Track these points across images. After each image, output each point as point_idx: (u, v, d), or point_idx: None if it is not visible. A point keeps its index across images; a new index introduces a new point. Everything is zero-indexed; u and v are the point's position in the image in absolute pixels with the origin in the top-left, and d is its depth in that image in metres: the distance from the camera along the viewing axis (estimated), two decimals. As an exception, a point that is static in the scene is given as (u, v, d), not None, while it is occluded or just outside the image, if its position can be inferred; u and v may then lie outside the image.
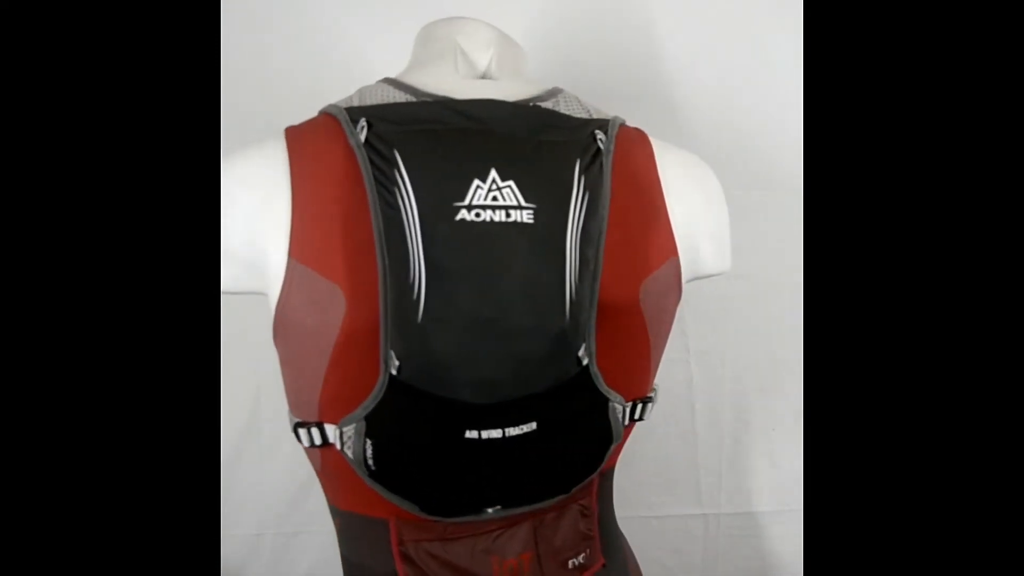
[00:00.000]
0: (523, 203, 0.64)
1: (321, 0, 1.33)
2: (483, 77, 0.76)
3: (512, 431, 0.65)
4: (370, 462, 0.66)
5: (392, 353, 0.63)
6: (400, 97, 0.70)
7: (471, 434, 0.64)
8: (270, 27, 1.34)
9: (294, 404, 0.74)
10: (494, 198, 0.64)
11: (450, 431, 0.65)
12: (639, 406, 0.73)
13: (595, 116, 0.72)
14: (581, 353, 0.65)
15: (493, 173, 0.65)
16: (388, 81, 0.73)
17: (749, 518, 1.51)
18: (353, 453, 0.66)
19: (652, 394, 0.76)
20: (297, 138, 0.70)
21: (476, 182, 0.64)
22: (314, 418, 0.70)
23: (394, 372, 0.64)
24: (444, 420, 0.65)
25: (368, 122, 0.66)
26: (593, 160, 0.67)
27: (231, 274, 0.69)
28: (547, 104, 0.71)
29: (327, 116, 0.70)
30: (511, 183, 0.64)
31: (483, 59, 0.77)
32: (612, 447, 0.70)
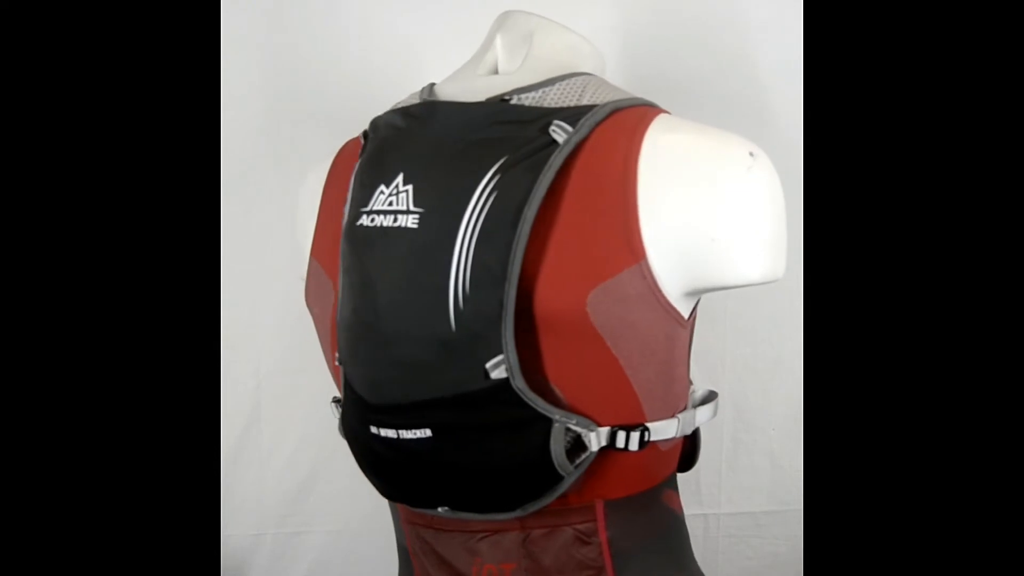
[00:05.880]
0: (411, 207, 0.63)
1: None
2: (497, 71, 0.75)
3: (405, 434, 0.64)
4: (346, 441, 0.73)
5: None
6: (415, 101, 0.73)
7: (374, 430, 0.67)
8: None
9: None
10: (390, 203, 0.65)
11: (363, 424, 0.68)
12: (623, 434, 0.64)
13: (589, 103, 0.65)
14: (491, 365, 0.60)
15: (399, 178, 0.65)
16: (428, 85, 0.75)
17: (749, 518, 1.51)
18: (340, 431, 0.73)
19: (675, 422, 0.68)
20: (342, 149, 0.79)
21: (381, 187, 0.66)
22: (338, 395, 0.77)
23: (337, 363, 0.70)
24: (357, 413, 0.68)
25: (365, 132, 0.72)
26: (530, 156, 0.61)
27: (302, 268, 0.80)
28: (531, 95, 0.66)
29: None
30: (409, 187, 0.64)
31: (506, 54, 0.75)
32: (566, 472, 0.63)
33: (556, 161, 0.61)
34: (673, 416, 0.68)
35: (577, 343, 0.63)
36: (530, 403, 0.61)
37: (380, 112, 0.74)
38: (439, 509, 0.69)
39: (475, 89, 0.69)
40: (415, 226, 0.62)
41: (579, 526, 0.68)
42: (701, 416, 0.73)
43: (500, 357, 0.60)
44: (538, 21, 0.74)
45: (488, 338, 0.60)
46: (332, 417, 0.76)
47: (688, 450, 0.79)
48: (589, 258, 0.61)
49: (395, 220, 0.64)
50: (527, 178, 0.60)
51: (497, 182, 0.60)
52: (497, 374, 0.60)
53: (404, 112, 0.70)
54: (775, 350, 1.43)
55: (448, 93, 0.72)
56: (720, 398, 1.52)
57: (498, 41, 0.75)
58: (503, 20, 0.76)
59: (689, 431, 0.71)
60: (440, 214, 0.62)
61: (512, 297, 0.59)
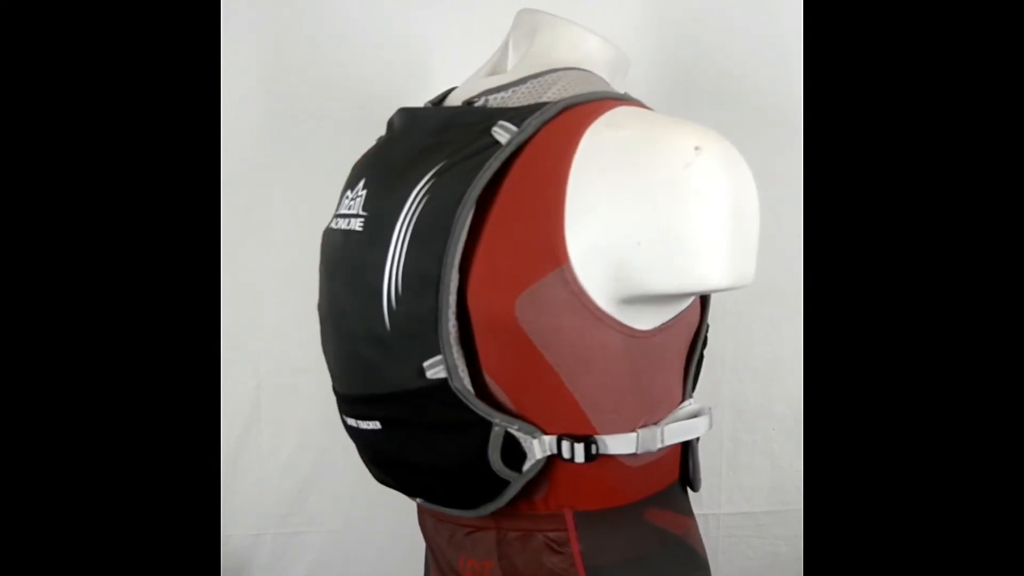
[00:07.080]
0: (360, 212, 0.66)
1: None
2: (495, 71, 0.75)
3: (362, 424, 0.69)
4: None
5: None
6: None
7: (344, 418, 0.72)
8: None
9: None
10: (349, 207, 0.69)
11: (340, 412, 0.74)
12: (567, 444, 0.61)
13: (549, 100, 0.62)
14: (427, 364, 0.60)
15: (360, 184, 0.69)
16: (448, 89, 0.76)
17: (749, 518, 1.51)
18: None
19: (633, 437, 0.63)
20: None
21: (348, 192, 0.70)
22: None
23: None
24: (336, 401, 0.74)
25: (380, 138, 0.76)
26: (468, 159, 0.60)
27: None
28: (499, 95, 0.65)
29: None
30: (364, 192, 0.67)
31: (513, 52, 0.75)
32: (508, 476, 0.62)
33: (494, 163, 0.58)
34: (632, 431, 0.64)
35: (512, 348, 0.60)
36: (470, 405, 0.60)
37: (379, 111, 0.76)
38: (417, 500, 0.72)
39: (472, 91, 0.69)
40: (360, 229, 0.65)
41: (550, 534, 0.66)
42: (672, 434, 0.66)
43: (437, 357, 0.59)
44: (543, 17, 0.72)
45: (425, 338, 0.59)
46: (332, 417, 0.77)
47: (687, 467, 0.75)
48: (517, 262, 0.59)
49: (348, 224, 0.67)
50: (462, 181, 0.58)
51: (431, 186, 0.60)
52: (433, 374, 0.60)
53: (389, 121, 0.74)
54: (775, 350, 1.43)
55: (456, 96, 0.73)
56: (720, 398, 1.52)
57: (509, 40, 0.75)
58: (516, 18, 0.75)
59: (654, 448, 0.64)
60: (379, 218, 0.64)
61: (449, 300, 0.58)
